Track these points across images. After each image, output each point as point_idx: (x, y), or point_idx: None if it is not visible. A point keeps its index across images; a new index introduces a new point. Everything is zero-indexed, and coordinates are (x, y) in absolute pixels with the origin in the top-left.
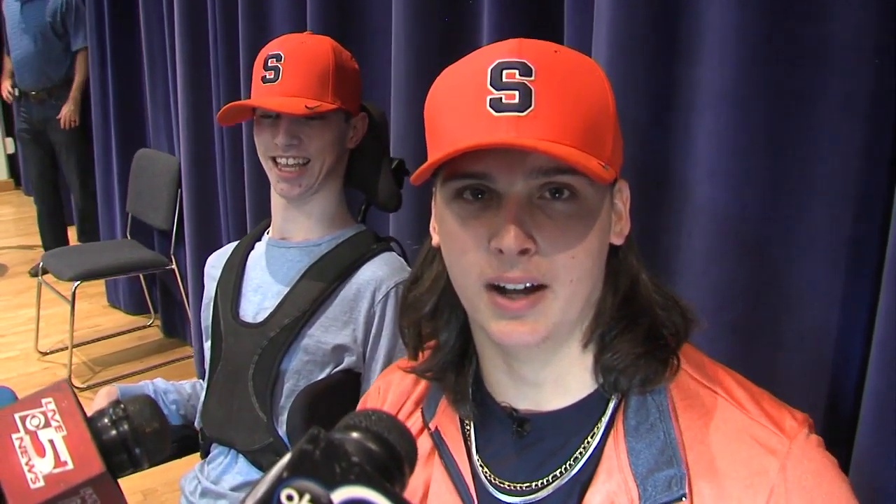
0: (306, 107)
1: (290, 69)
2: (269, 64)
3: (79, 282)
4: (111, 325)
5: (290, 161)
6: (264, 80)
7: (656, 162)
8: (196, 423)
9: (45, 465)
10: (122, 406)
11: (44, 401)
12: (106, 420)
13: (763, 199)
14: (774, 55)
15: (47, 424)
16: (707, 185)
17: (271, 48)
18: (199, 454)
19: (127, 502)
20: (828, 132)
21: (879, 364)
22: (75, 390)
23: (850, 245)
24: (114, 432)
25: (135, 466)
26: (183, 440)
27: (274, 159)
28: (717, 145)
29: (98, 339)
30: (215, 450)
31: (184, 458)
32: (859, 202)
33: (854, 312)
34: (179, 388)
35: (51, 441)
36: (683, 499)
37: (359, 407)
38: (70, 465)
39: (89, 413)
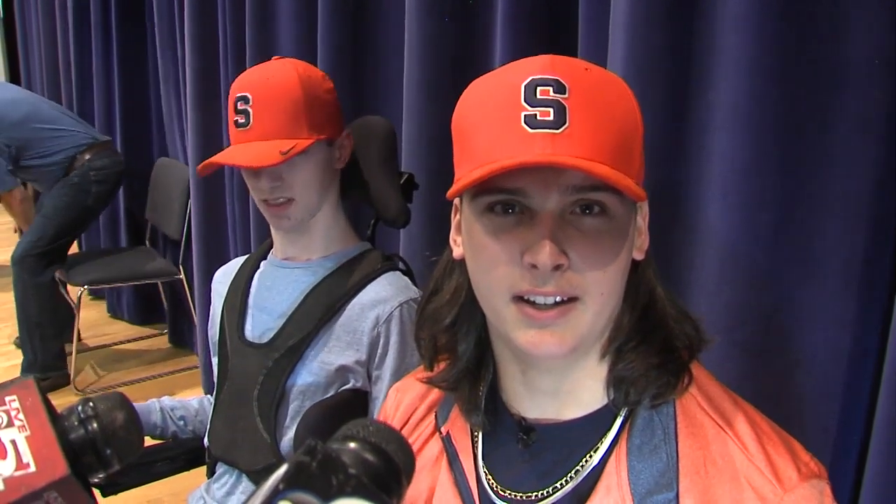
0: (280, 153)
1: (259, 111)
2: (239, 107)
3: (85, 287)
4: (117, 334)
5: (280, 199)
6: (237, 123)
7: (670, 181)
8: (204, 442)
9: (6, 468)
10: (91, 404)
11: (7, 399)
12: (74, 419)
13: (776, 220)
14: (789, 76)
15: (10, 424)
16: (720, 205)
17: (238, 88)
18: (204, 468)
19: None
20: (842, 153)
21: (892, 386)
22: (42, 388)
23: (863, 266)
24: (82, 431)
25: (105, 468)
26: (191, 453)
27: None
28: (730, 166)
29: (103, 347)
30: (221, 469)
31: (190, 472)
32: (873, 223)
33: (867, 334)
34: (186, 404)
35: (13, 442)
36: None
37: (377, 414)
38: (32, 468)
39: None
